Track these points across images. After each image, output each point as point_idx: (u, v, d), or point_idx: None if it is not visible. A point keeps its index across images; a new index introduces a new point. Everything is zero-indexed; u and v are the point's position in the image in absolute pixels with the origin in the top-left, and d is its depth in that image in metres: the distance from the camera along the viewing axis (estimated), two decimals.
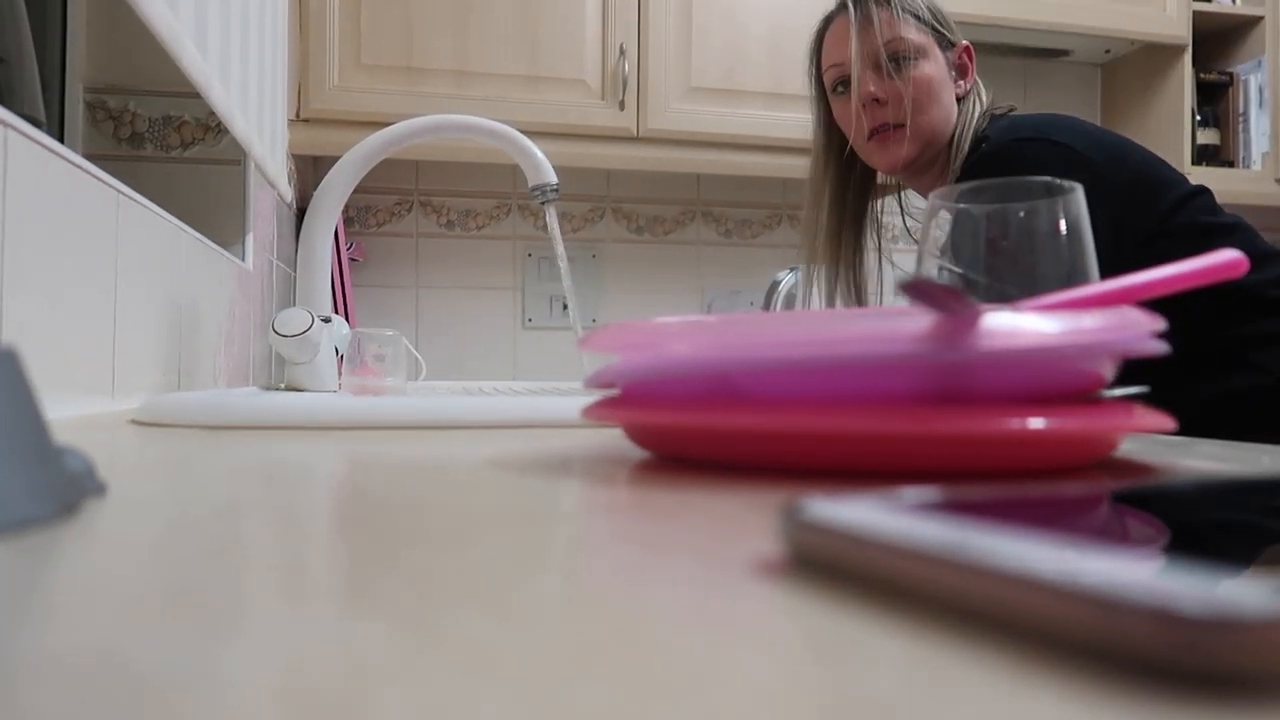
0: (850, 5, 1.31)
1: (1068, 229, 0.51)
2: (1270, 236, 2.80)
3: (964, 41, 1.30)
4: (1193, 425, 0.62)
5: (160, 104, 1.24)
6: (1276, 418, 1.07)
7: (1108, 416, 0.33)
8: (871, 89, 1.27)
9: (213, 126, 1.26)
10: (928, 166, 1.31)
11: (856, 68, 1.28)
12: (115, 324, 0.76)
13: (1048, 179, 0.52)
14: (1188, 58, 2.37)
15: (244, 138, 1.10)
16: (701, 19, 2.01)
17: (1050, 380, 0.34)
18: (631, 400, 0.39)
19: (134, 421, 0.60)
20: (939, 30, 1.29)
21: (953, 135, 1.28)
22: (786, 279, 1.91)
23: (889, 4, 1.28)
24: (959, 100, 1.30)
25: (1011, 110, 1.32)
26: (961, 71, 1.31)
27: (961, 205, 0.52)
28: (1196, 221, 1.13)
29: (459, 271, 2.27)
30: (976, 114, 1.29)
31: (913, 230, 1.44)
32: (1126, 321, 0.34)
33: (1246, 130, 2.48)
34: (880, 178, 1.42)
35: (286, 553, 0.20)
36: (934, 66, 1.27)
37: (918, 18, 1.28)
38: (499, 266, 2.29)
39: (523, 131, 1.22)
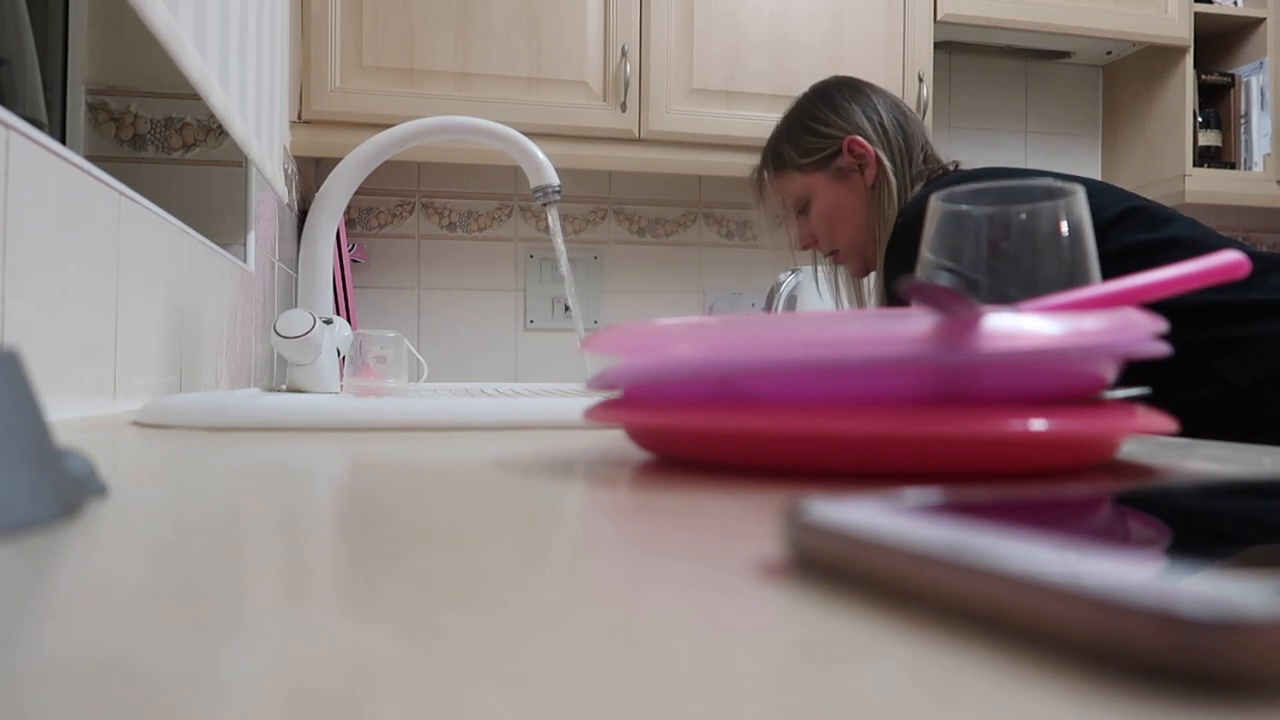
0: (757, 177, 1.46)
1: (1069, 231, 0.51)
2: (1271, 239, 2.80)
3: (846, 136, 1.34)
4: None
5: (162, 106, 1.24)
6: (1235, 424, 1.07)
7: (1109, 418, 0.33)
8: (800, 241, 1.43)
9: (214, 128, 1.26)
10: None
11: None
12: (117, 326, 0.76)
13: (1050, 181, 0.52)
14: (1189, 59, 2.37)
15: (242, 139, 1.10)
16: (703, 21, 2.02)
17: (1052, 382, 0.34)
18: (633, 402, 0.39)
19: (136, 423, 0.60)
20: (816, 156, 1.36)
21: (879, 225, 1.33)
22: (788, 281, 1.92)
23: (769, 166, 1.42)
24: (874, 187, 1.33)
25: (955, 167, 1.35)
26: (860, 162, 1.34)
27: (963, 207, 0.52)
28: (1123, 243, 1.11)
29: (461, 273, 2.27)
30: (895, 190, 1.32)
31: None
32: (1128, 323, 0.34)
33: (1248, 132, 2.48)
34: None
35: (288, 554, 0.20)
36: (825, 197, 1.36)
37: (790, 166, 1.39)
38: (501, 268, 2.29)
39: (524, 133, 1.22)
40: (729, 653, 0.13)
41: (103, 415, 0.70)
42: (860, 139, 1.33)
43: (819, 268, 1.52)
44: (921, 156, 1.34)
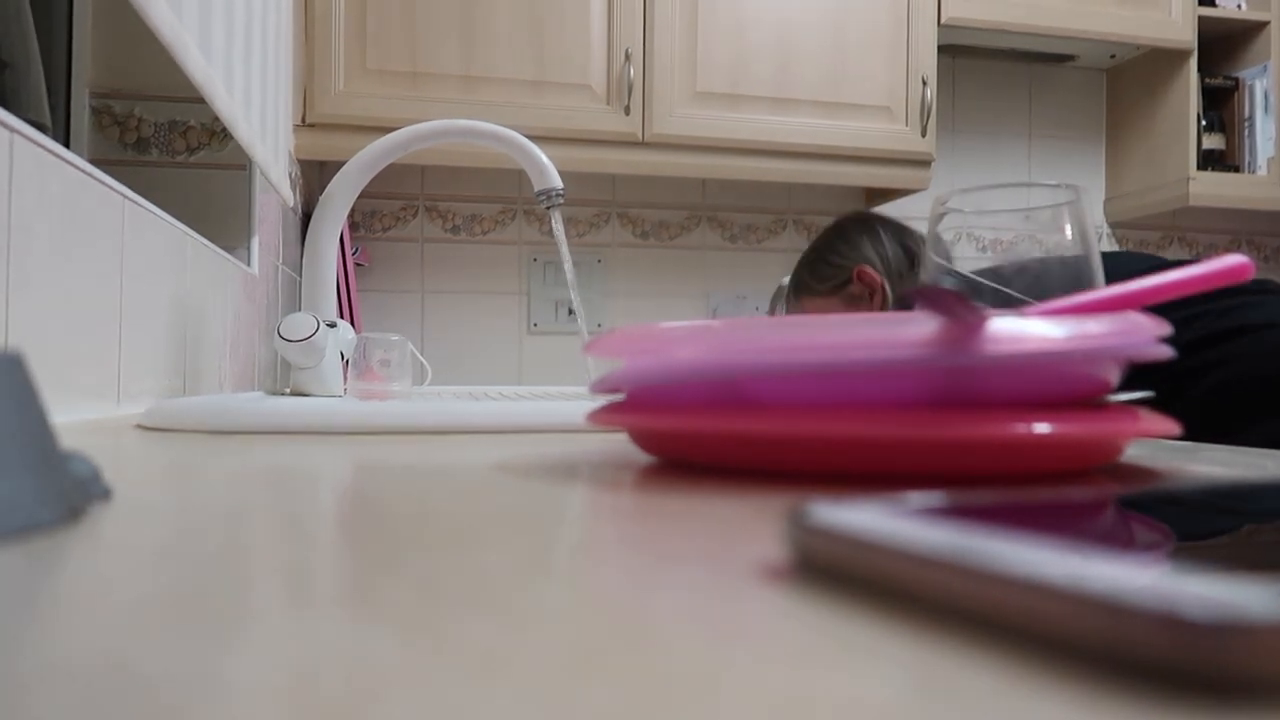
0: (784, 299, 1.66)
1: (1073, 234, 0.51)
2: (1274, 242, 2.80)
3: (854, 267, 1.52)
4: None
5: (166, 109, 1.25)
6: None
7: (1113, 421, 0.33)
8: None
9: (218, 131, 1.26)
10: None
11: None
12: (121, 328, 0.77)
13: (1053, 184, 0.52)
14: (1193, 62, 2.37)
15: (247, 142, 1.11)
16: (706, 24, 2.02)
17: (1056, 385, 0.34)
18: (637, 405, 0.39)
19: (139, 426, 0.60)
20: (831, 282, 1.55)
21: None
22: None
23: (793, 290, 1.62)
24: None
25: None
26: (869, 288, 1.52)
27: (968, 210, 0.52)
28: None
29: (464, 276, 2.27)
30: None
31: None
32: (1132, 326, 0.34)
33: (1252, 135, 2.48)
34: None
35: (292, 557, 0.20)
36: None
37: (809, 291, 1.58)
38: (504, 271, 2.29)
39: (528, 136, 1.22)
40: (732, 656, 0.13)
41: (106, 418, 0.70)
42: (869, 269, 1.51)
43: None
44: None
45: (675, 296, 2.38)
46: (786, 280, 1.95)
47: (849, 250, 1.54)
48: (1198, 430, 1.14)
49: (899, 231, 1.56)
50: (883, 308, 1.50)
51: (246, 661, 0.13)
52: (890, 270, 1.52)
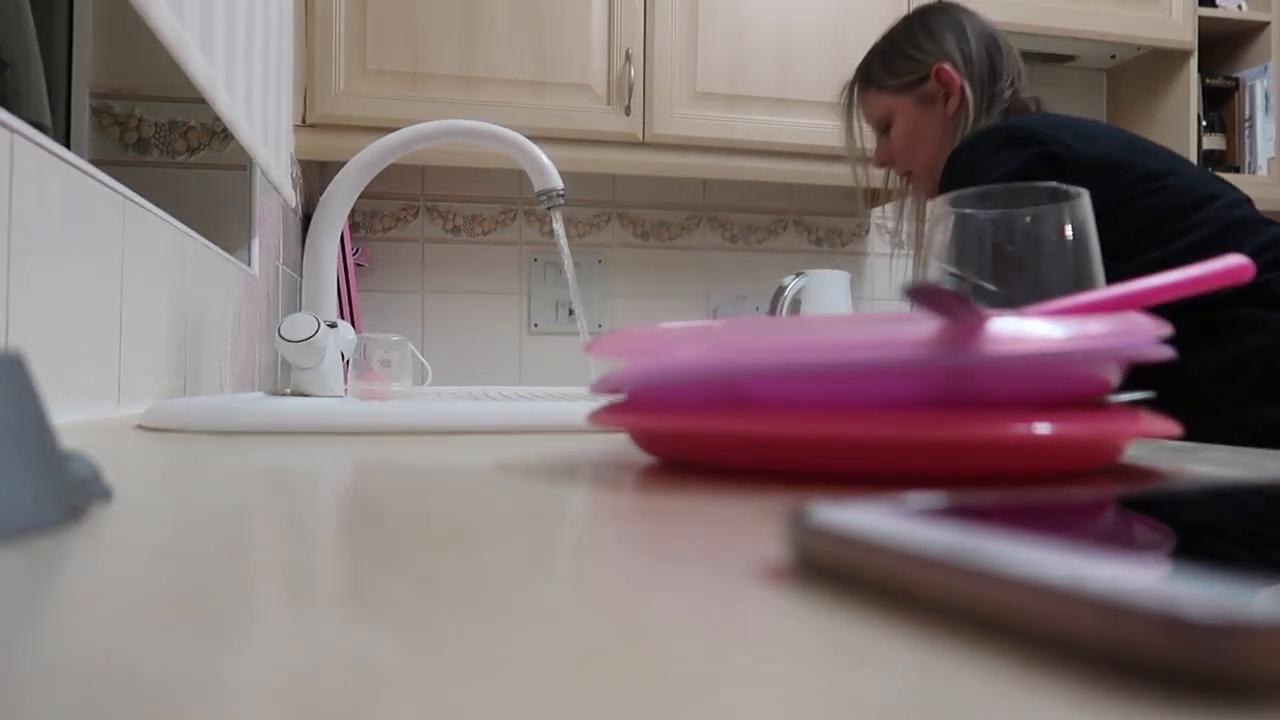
0: (848, 91, 1.51)
1: (1073, 234, 0.51)
2: None
3: (934, 64, 1.37)
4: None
5: (166, 109, 1.25)
6: (1183, 410, 1.10)
7: (1113, 422, 0.33)
8: (877, 159, 1.49)
9: (219, 132, 1.26)
10: None
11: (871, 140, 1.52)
12: (121, 329, 0.77)
13: (1054, 185, 0.52)
14: (1193, 63, 2.37)
15: (248, 143, 1.11)
16: (707, 24, 2.02)
17: (1056, 385, 0.34)
18: (637, 405, 0.39)
19: (140, 427, 0.60)
20: (904, 79, 1.41)
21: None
22: (792, 284, 1.91)
23: (859, 81, 1.48)
24: (954, 116, 1.37)
25: (1037, 106, 1.38)
26: (946, 89, 1.37)
27: (968, 210, 0.52)
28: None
29: (465, 277, 2.27)
30: (972, 122, 1.35)
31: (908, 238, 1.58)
32: (1132, 327, 0.34)
33: (1252, 135, 2.48)
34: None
35: (293, 558, 0.20)
36: (906, 119, 1.41)
37: (878, 85, 1.44)
38: (505, 271, 2.29)
39: (529, 136, 1.22)
40: (733, 656, 0.13)
41: (107, 419, 0.70)
42: (949, 68, 1.36)
43: (887, 206, 1.58)
44: (1008, 92, 1.37)
45: (676, 297, 2.38)
46: (787, 280, 1.94)
47: (930, 44, 1.39)
48: (1207, 390, 1.10)
49: (985, 34, 1.40)
50: (957, 113, 1.36)
51: (246, 661, 0.13)
52: (973, 74, 1.36)
